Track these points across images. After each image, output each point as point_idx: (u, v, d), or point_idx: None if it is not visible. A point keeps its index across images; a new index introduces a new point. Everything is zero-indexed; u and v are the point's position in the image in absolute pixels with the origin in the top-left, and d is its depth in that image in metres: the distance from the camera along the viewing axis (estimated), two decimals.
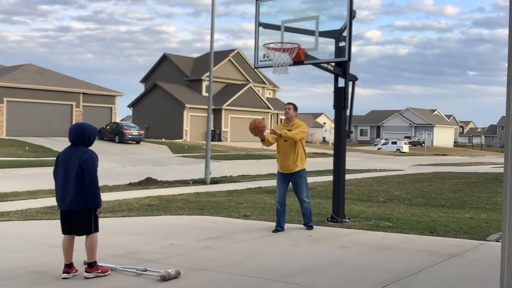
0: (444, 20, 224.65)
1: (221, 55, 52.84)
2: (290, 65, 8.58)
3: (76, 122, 5.29)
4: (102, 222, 7.95)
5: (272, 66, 8.70)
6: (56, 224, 8.34)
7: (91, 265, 5.17)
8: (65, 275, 5.08)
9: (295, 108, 8.02)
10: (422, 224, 8.59)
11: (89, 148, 5.23)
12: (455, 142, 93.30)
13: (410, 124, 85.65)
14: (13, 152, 28.96)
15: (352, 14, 8.35)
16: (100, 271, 5.18)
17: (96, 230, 5.25)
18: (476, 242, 7.16)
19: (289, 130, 7.80)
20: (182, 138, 48.76)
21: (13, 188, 13.79)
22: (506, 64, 3.04)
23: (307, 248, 6.80)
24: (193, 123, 49.89)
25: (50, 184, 14.44)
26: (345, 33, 8.43)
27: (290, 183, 8.00)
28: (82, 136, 5.16)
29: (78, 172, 5.04)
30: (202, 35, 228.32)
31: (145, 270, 5.27)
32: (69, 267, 5.13)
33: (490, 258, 6.25)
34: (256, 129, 7.51)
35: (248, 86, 53.60)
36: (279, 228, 7.92)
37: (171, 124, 49.76)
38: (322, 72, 8.76)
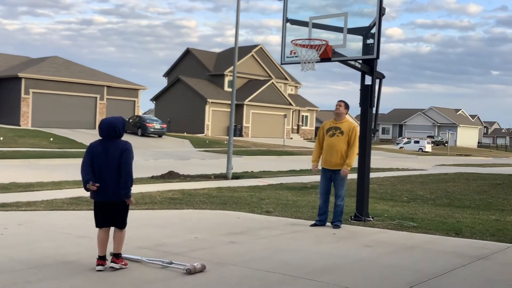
0: (466, 19, 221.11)
1: (244, 51, 52.83)
2: (317, 61, 8.53)
3: (103, 119, 5.30)
4: None
5: (298, 63, 8.68)
6: (83, 215, 8.45)
7: (118, 256, 5.20)
8: (99, 268, 5.07)
9: (346, 106, 8.11)
10: (447, 225, 8.48)
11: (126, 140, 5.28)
12: (479, 142, 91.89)
13: (434, 123, 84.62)
14: (38, 142, 29.42)
15: (381, 11, 8.26)
16: (123, 263, 5.21)
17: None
18: (504, 244, 7.04)
19: (338, 128, 7.93)
20: (203, 133, 48.97)
21: (38, 178, 14.01)
22: None
23: (331, 246, 6.77)
24: (214, 118, 50.07)
25: (74, 175, 14.71)
26: (373, 30, 8.35)
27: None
28: (112, 132, 5.19)
29: (120, 164, 5.11)
30: (222, 30, 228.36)
31: (171, 263, 5.30)
32: (103, 259, 5.13)
33: None
34: None
35: (270, 82, 53.55)
36: (317, 223, 8.06)
37: (193, 118, 50.00)
38: (342, 69, 8.82)
